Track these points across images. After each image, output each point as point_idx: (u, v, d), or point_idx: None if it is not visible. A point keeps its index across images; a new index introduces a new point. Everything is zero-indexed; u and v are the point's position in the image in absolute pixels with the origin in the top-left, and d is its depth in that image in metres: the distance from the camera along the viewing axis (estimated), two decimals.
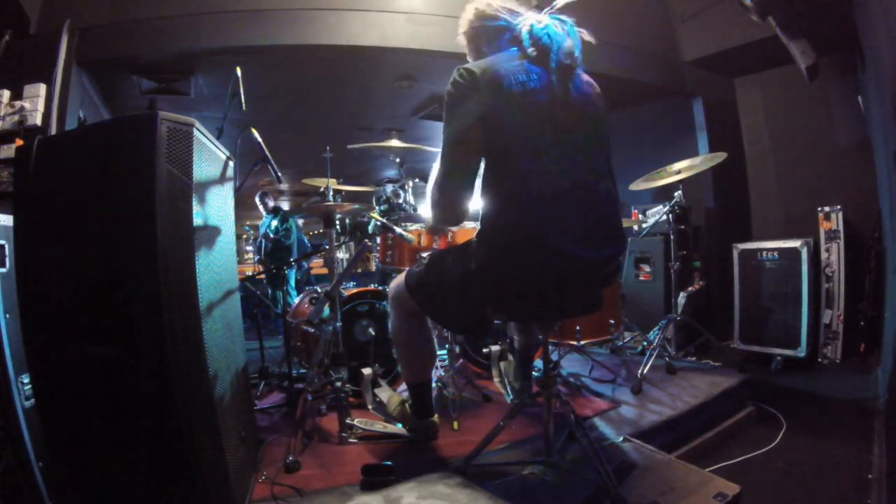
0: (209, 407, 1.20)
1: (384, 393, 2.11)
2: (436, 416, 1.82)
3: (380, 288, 2.48)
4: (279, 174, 2.07)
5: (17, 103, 2.57)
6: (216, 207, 1.40)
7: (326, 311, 1.92)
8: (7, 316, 1.48)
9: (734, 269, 3.38)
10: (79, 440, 1.16)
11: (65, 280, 1.16)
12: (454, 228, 2.27)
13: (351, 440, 1.82)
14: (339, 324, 1.94)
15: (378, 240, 2.72)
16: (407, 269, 1.72)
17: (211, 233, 1.34)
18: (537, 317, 1.48)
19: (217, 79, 3.65)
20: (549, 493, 1.44)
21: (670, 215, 2.90)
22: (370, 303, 2.40)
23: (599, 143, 1.40)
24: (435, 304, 1.54)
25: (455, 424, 1.93)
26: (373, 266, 5.33)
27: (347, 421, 1.85)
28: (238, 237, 9.00)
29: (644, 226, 3.56)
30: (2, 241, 1.56)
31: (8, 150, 2.45)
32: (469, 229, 2.26)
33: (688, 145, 4.18)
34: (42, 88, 2.63)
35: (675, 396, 2.22)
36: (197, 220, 1.21)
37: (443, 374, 2.35)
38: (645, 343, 2.93)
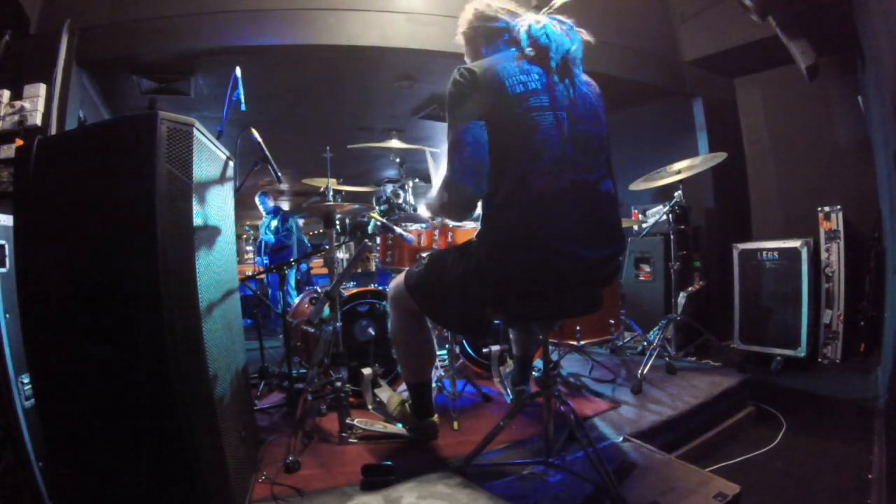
0: (209, 407, 1.20)
1: (384, 393, 2.11)
2: (436, 416, 1.82)
3: (380, 288, 2.48)
4: (279, 174, 2.07)
5: (17, 103, 2.57)
6: (216, 207, 1.40)
7: (326, 311, 1.92)
8: (7, 316, 1.48)
9: (734, 269, 3.38)
10: (79, 440, 1.16)
11: (65, 280, 1.16)
12: (457, 225, 2.27)
13: (351, 440, 1.82)
14: (339, 324, 1.94)
15: (378, 240, 2.73)
16: (406, 269, 1.72)
17: (211, 233, 1.34)
18: (537, 317, 1.48)
19: (217, 79, 3.65)
20: (548, 493, 1.44)
21: (670, 215, 2.90)
22: (370, 303, 2.40)
23: (599, 143, 1.40)
24: (435, 303, 1.54)
25: (455, 424, 1.93)
26: (373, 266, 5.33)
27: (347, 421, 1.85)
28: (238, 237, 9.00)
29: (644, 226, 3.56)
30: (2, 241, 1.55)
31: (8, 150, 2.45)
32: (469, 229, 2.26)
33: (688, 145, 4.18)
34: (42, 88, 2.63)
35: (675, 396, 2.22)
36: (197, 220, 1.21)
37: (443, 374, 2.35)
38: (645, 343, 2.93)
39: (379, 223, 2.52)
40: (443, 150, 1.45)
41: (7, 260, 1.55)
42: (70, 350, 1.14)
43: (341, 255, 4.37)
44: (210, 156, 1.37)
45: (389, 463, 1.51)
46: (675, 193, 3.02)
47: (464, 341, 2.60)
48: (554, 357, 2.52)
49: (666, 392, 2.29)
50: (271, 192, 5.41)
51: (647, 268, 3.74)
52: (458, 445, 1.75)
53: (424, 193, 1.84)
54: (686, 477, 1.47)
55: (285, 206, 5.18)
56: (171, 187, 1.14)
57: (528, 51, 1.35)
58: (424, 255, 2.18)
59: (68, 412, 1.16)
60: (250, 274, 4.62)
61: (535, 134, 1.30)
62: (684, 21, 4.02)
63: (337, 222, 2.48)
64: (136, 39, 3.05)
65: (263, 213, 5.55)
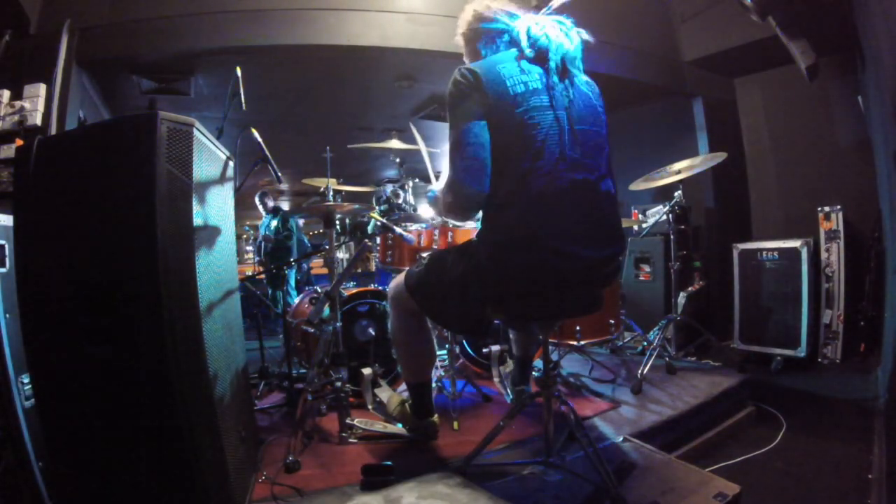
0: (209, 407, 1.20)
1: (384, 393, 2.11)
2: (436, 416, 1.82)
3: (380, 288, 2.48)
4: (279, 174, 2.07)
5: (17, 103, 2.57)
6: (216, 207, 1.40)
7: (326, 311, 1.92)
8: (7, 316, 1.48)
9: (734, 269, 3.38)
10: (79, 440, 1.16)
11: (65, 280, 1.16)
12: (458, 225, 2.27)
13: (351, 440, 1.82)
14: (339, 324, 1.94)
15: (378, 240, 2.73)
16: (406, 269, 1.72)
17: (211, 233, 1.34)
18: (537, 317, 1.48)
19: (217, 79, 3.65)
20: (548, 493, 1.44)
21: (670, 215, 2.90)
22: (370, 303, 2.40)
23: (599, 143, 1.41)
24: (435, 303, 1.54)
25: (455, 424, 1.93)
26: (373, 266, 5.34)
27: (347, 421, 1.85)
28: (238, 237, 9.00)
29: (644, 226, 3.56)
30: (2, 241, 1.56)
31: (8, 150, 2.45)
32: (469, 229, 2.26)
33: (688, 145, 4.18)
34: (42, 88, 2.63)
35: (675, 396, 2.22)
36: (197, 220, 1.21)
37: (443, 374, 2.35)
38: (645, 343, 2.93)
39: (379, 223, 2.52)
40: (444, 150, 1.45)
41: (7, 260, 1.55)
42: (70, 350, 1.14)
43: (341, 255, 4.37)
44: (210, 156, 1.37)
45: (389, 463, 1.51)
46: (675, 193, 3.02)
47: (464, 341, 2.60)
48: (554, 357, 2.52)
49: (666, 392, 2.29)
50: (271, 192, 5.42)
51: (647, 268, 3.74)
52: (458, 445, 1.75)
53: (424, 193, 1.84)
54: (686, 477, 1.47)
55: (285, 206, 5.19)
56: (171, 187, 1.14)
57: (528, 52, 1.35)
58: (424, 255, 2.18)
59: (68, 412, 1.16)
60: (250, 274, 4.62)
61: (535, 134, 1.30)
62: (684, 21, 4.02)
63: (337, 222, 2.48)
64: (136, 39, 3.05)
65: (263, 214, 5.55)
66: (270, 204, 5.45)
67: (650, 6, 4.05)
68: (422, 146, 2.25)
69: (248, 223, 9.49)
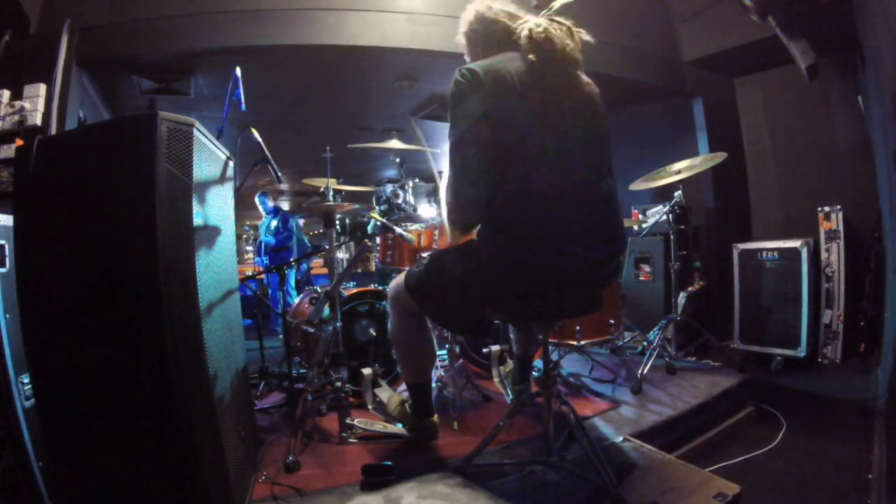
0: (209, 407, 1.20)
1: (384, 393, 2.11)
2: (436, 416, 1.82)
3: (380, 288, 2.48)
4: (279, 174, 2.07)
5: (17, 103, 2.57)
6: (216, 207, 1.40)
7: (326, 311, 1.92)
8: (7, 316, 1.48)
9: (734, 269, 3.38)
10: (79, 440, 1.16)
11: (65, 280, 1.16)
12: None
13: (351, 440, 1.82)
14: (339, 324, 1.94)
15: (378, 240, 2.73)
16: (406, 269, 1.72)
17: (211, 233, 1.34)
18: (537, 317, 1.48)
19: (217, 79, 3.65)
20: (549, 493, 1.44)
21: (670, 215, 2.90)
22: (370, 303, 2.40)
23: (599, 143, 1.41)
24: (435, 303, 1.54)
25: (455, 424, 1.93)
26: (373, 266, 5.34)
27: (347, 421, 1.85)
28: (238, 237, 9.00)
29: (644, 226, 3.56)
30: (2, 241, 1.56)
31: (8, 150, 2.45)
32: None
33: (688, 145, 4.17)
34: (42, 88, 2.63)
35: (675, 396, 2.22)
36: (197, 220, 1.21)
37: (443, 374, 2.35)
38: (645, 343, 2.93)
39: (379, 223, 2.52)
40: (444, 150, 1.45)
41: (7, 260, 1.55)
42: (70, 350, 1.14)
43: (341, 255, 4.37)
44: (210, 156, 1.37)
45: (389, 463, 1.51)
46: (675, 193, 3.02)
47: (464, 341, 2.60)
48: (554, 357, 2.52)
49: (666, 392, 2.29)
50: (271, 192, 5.42)
51: (647, 268, 3.74)
52: (458, 445, 1.75)
53: (424, 193, 1.84)
54: (686, 477, 1.47)
55: (285, 206, 5.19)
56: (171, 187, 1.14)
57: (529, 54, 1.36)
58: (424, 255, 2.18)
59: (68, 412, 1.16)
60: (250, 274, 4.62)
61: (536, 133, 1.30)
62: (684, 21, 4.02)
63: (337, 222, 2.48)
64: (136, 39, 3.05)
65: (263, 214, 5.55)
66: (270, 204, 5.46)
67: (650, 6, 4.05)
68: (421, 137, 2.24)
69: (248, 223, 9.49)
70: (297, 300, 3.03)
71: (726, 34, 3.71)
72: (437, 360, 2.18)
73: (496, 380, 2.30)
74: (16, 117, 2.54)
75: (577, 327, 2.44)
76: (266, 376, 2.63)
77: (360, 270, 5.92)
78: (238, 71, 2.05)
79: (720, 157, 2.57)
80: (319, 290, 2.68)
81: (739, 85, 3.99)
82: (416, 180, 3.36)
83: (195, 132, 1.21)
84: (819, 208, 3.29)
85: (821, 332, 3.18)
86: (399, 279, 1.65)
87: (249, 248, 9.61)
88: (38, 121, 2.58)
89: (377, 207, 3.40)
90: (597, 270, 1.38)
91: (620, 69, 3.82)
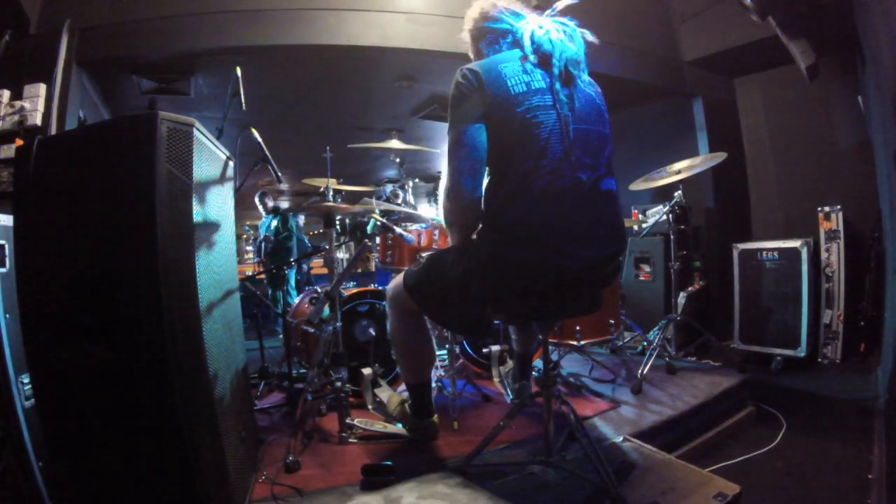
0: (209, 407, 1.20)
1: (384, 393, 2.11)
2: (436, 416, 1.82)
3: (380, 288, 2.48)
4: (279, 174, 2.07)
5: (17, 103, 2.57)
6: (216, 207, 1.40)
7: (326, 311, 1.92)
8: (7, 316, 1.48)
9: (734, 269, 3.38)
10: (79, 440, 1.16)
11: (65, 280, 1.16)
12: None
13: (351, 440, 1.82)
14: (339, 324, 1.94)
15: (378, 240, 2.73)
16: (405, 269, 1.72)
17: (211, 233, 1.34)
18: (537, 317, 1.48)
19: (217, 79, 3.65)
20: (549, 493, 1.44)
21: (670, 215, 2.90)
22: (370, 303, 2.40)
23: (601, 143, 1.41)
24: (434, 303, 1.54)
25: (455, 424, 1.93)
26: (373, 266, 5.34)
27: (347, 421, 1.85)
28: (238, 237, 9.00)
29: (644, 226, 3.56)
30: (2, 241, 1.56)
31: (8, 150, 2.45)
32: None
33: (688, 145, 4.18)
34: (42, 88, 2.63)
35: (675, 396, 2.22)
36: (197, 220, 1.21)
37: (443, 373, 2.35)
38: (645, 343, 2.93)
39: (379, 223, 2.52)
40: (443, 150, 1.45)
41: (7, 260, 1.55)
42: (70, 350, 1.14)
43: (341, 255, 4.37)
44: (210, 156, 1.37)
45: (389, 463, 1.51)
46: (675, 193, 3.02)
47: (464, 341, 2.60)
48: (554, 357, 2.52)
49: (666, 392, 2.29)
50: (271, 192, 5.41)
51: (647, 268, 3.74)
52: (458, 445, 1.75)
53: (424, 193, 1.85)
54: (686, 477, 1.47)
55: (285, 206, 5.19)
56: (171, 187, 1.14)
57: (531, 57, 1.36)
58: (424, 255, 2.18)
59: (68, 412, 1.16)
60: (250, 274, 4.62)
61: (538, 133, 1.30)
62: (684, 21, 4.02)
63: (337, 222, 2.48)
64: (136, 39, 3.05)
65: (263, 214, 5.54)
66: (270, 204, 5.45)
67: (650, 6, 4.06)
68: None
69: (248, 223, 9.49)
70: (297, 300, 3.03)
71: (726, 34, 3.71)
72: (437, 360, 2.18)
73: (496, 380, 2.30)
74: (16, 117, 2.54)
75: (577, 327, 2.44)
76: (266, 376, 2.63)
77: (360, 270, 5.92)
78: (238, 71, 2.05)
79: (720, 157, 2.57)
80: (319, 290, 2.68)
81: (739, 85, 3.99)
82: (416, 180, 3.36)
83: (195, 132, 1.21)
84: (819, 208, 3.29)
85: (821, 332, 3.18)
86: (398, 279, 1.65)
87: (249, 248, 9.60)
88: (38, 121, 2.58)
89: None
90: (597, 270, 1.38)
91: (620, 69, 3.82)
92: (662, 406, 2.12)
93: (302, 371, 2.59)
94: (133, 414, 1.13)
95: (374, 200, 2.48)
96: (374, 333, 2.34)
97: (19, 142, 2.36)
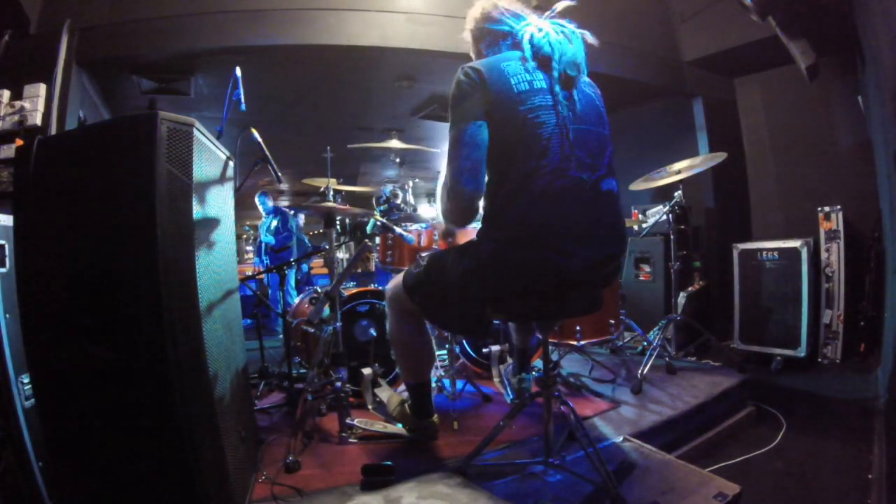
0: (209, 407, 1.20)
1: (384, 393, 2.11)
2: (436, 416, 1.82)
3: (380, 288, 2.48)
4: (279, 174, 2.07)
5: (17, 103, 2.57)
6: (216, 207, 1.40)
7: (326, 311, 1.92)
8: (7, 316, 1.48)
9: (734, 269, 3.37)
10: (79, 440, 1.16)
11: (65, 280, 1.16)
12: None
13: (351, 440, 1.82)
14: (339, 324, 1.94)
15: (378, 240, 2.73)
16: (405, 269, 1.72)
17: (211, 233, 1.34)
18: (537, 317, 1.48)
19: (217, 79, 3.65)
20: (548, 493, 1.44)
21: (670, 215, 2.90)
22: (370, 303, 2.40)
23: (602, 143, 1.41)
24: (434, 304, 1.54)
25: (455, 424, 1.93)
26: (373, 266, 5.33)
27: (347, 421, 1.85)
28: (238, 237, 9.00)
29: (644, 226, 3.56)
30: (2, 241, 1.56)
31: (8, 150, 2.45)
32: (469, 229, 2.26)
33: (688, 145, 4.17)
34: (42, 88, 2.63)
35: (675, 396, 2.22)
36: (197, 220, 1.21)
37: (443, 374, 2.35)
38: (645, 343, 2.93)
39: (379, 223, 2.52)
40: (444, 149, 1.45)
41: (7, 260, 1.55)
42: (70, 350, 1.14)
43: (341, 255, 4.37)
44: (210, 156, 1.37)
45: (389, 463, 1.51)
46: (675, 193, 3.02)
47: (464, 341, 2.60)
48: (554, 357, 2.52)
49: (666, 392, 2.29)
50: (271, 192, 5.42)
51: (647, 268, 3.74)
52: (458, 445, 1.75)
53: (424, 193, 1.85)
54: (686, 477, 1.47)
55: (285, 205, 5.19)
56: (171, 187, 1.14)
57: (531, 60, 1.36)
58: (424, 255, 2.18)
59: (68, 412, 1.16)
60: (250, 274, 4.62)
61: (539, 132, 1.30)
62: (684, 21, 4.02)
63: (337, 222, 2.48)
64: (136, 39, 3.05)
65: (263, 214, 5.55)
66: (270, 204, 5.46)
67: (650, 6, 4.05)
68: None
69: (248, 223, 9.49)
70: (297, 300, 3.03)
71: (726, 34, 3.71)
72: (437, 360, 2.18)
73: (496, 380, 2.30)
74: (16, 117, 2.54)
75: (577, 327, 2.44)
76: (266, 376, 2.63)
77: (360, 270, 5.91)
78: (238, 71, 2.05)
79: (720, 157, 2.57)
80: (319, 290, 2.68)
81: (739, 85, 3.99)
82: (416, 180, 3.36)
83: (195, 132, 1.21)
84: (819, 208, 3.29)
85: (821, 332, 3.18)
86: (397, 280, 1.65)
87: (249, 248, 9.60)
88: (38, 121, 2.58)
89: (377, 207, 3.39)
90: (597, 270, 1.38)
91: (620, 69, 3.82)
92: (662, 406, 2.12)
93: (302, 371, 2.59)
94: (133, 414, 1.13)
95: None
96: (374, 333, 2.34)
97: (19, 142, 2.36)
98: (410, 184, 3.29)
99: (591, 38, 1.44)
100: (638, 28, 3.92)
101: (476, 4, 1.54)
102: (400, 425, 1.87)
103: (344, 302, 2.28)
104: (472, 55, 1.58)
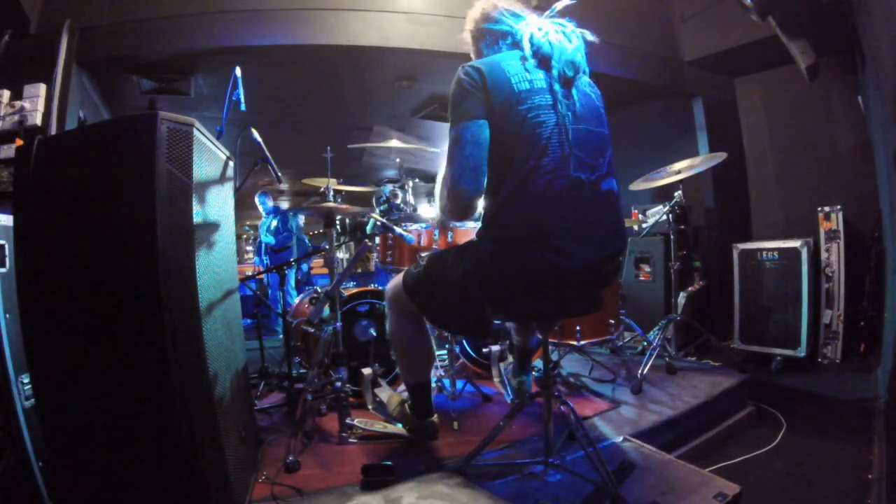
0: (209, 407, 1.20)
1: (384, 393, 2.11)
2: (436, 416, 1.82)
3: (380, 288, 2.48)
4: (279, 174, 2.07)
5: (17, 103, 2.57)
6: (216, 207, 1.40)
7: (326, 311, 1.92)
8: (7, 316, 1.48)
9: (734, 269, 3.38)
10: (79, 440, 1.16)
11: (65, 280, 1.16)
12: (458, 225, 2.27)
13: (351, 440, 1.82)
14: (339, 324, 1.94)
15: (378, 240, 2.73)
16: (405, 269, 1.71)
17: (211, 233, 1.34)
18: (537, 317, 1.48)
19: (217, 79, 3.65)
20: (548, 493, 1.44)
21: (670, 215, 2.90)
22: (370, 303, 2.40)
23: (602, 143, 1.41)
24: (434, 304, 1.54)
25: (455, 424, 1.93)
26: (373, 266, 5.34)
27: (347, 421, 1.85)
28: (238, 237, 9.00)
29: (644, 226, 3.56)
30: (2, 241, 1.56)
31: (8, 150, 2.46)
32: (469, 229, 2.26)
33: (688, 145, 4.18)
34: (42, 88, 2.63)
35: (675, 396, 2.22)
36: (197, 220, 1.21)
37: (443, 374, 2.35)
38: (645, 343, 2.93)
39: (379, 223, 2.52)
40: (444, 149, 1.45)
41: (7, 260, 1.55)
42: (70, 350, 1.14)
43: (341, 255, 4.37)
44: (210, 156, 1.37)
45: (389, 463, 1.51)
46: (675, 193, 3.02)
47: (464, 341, 2.60)
48: (554, 357, 2.52)
49: (666, 392, 2.29)
50: (271, 192, 5.42)
51: (647, 268, 3.74)
52: (458, 445, 1.75)
53: (424, 193, 1.85)
54: (686, 477, 1.47)
55: (285, 205, 5.19)
56: (171, 187, 1.14)
57: (531, 60, 1.36)
58: (424, 255, 2.18)
59: (68, 412, 1.16)
60: (250, 274, 4.62)
61: (539, 132, 1.30)
62: (684, 21, 4.02)
63: (337, 222, 2.48)
64: (136, 39, 3.05)
65: (263, 214, 5.55)
66: (270, 204, 5.46)
67: (650, 6, 4.05)
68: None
69: (248, 223, 9.49)
70: (297, 300, 3.03)
71: (726, 34, 3.71)
72: (437, 360, 2.18)
73: (496, 380, 2.30)
74: (16, 117, 2.54)
75: (577, 327, 2.44)
76: (266, 376, 2.63)
77: (360, 270, 5.92)
78: (238, 71, 2.05)
79: (720, 157, 2.57)
80: (319, 290, 2.68)
81: (739, 85, 3.99)
82: (416, 180, 3.36)
83: (195, 132, 1.21)
84: (819, 208, 3.29)
85: (821, 332, 3.18)
86: (397, 280, 1.65)
87: (249, 248, 9.60)
88: (38, 121, 2.58)
89: (377, 207, 3.39)
90: (597, 270, 1.38)
91: (620, 69, 3.82)
92: (662, 406, 2.12)
93: (302, 371, 2.59)
94: (133, 414, 1.13)
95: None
96: (374, 333, 2.34)
97: (19, 142, 2.36)
98: (410, 184, 3.28)
99: (590, 37, 1.43)
100: (638, 28, 3.92)
101: (476, 5, 1.54)
102: (400, 425, 1.87)
103: (344, 302, 2.28)
104: (472, 55, 1.58)
